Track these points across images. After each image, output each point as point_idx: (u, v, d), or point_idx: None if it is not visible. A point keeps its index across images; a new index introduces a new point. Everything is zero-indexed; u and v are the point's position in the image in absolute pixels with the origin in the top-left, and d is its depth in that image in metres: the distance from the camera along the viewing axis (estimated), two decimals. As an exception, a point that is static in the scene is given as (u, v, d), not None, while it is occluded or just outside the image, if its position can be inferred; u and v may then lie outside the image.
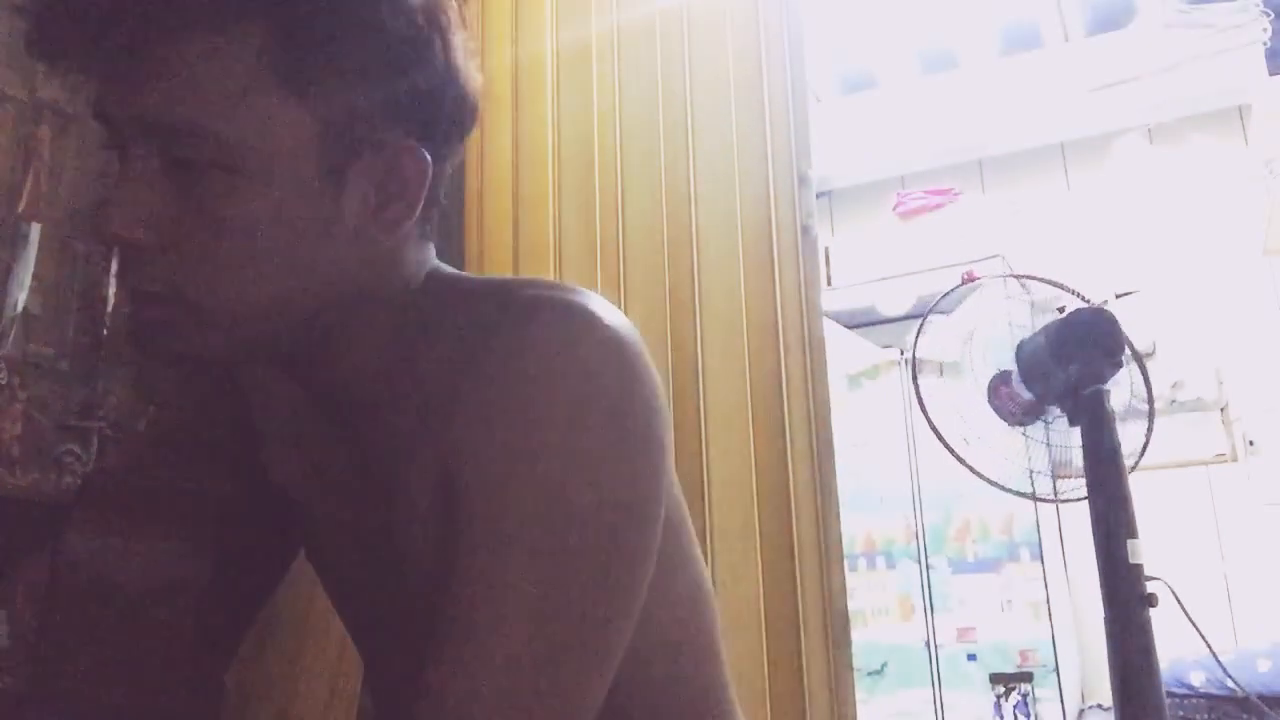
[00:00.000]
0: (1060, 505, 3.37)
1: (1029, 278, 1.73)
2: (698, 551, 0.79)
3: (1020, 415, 1.72)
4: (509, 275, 0.78)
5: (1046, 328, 1.68)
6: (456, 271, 0.77)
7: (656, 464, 0.65)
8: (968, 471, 1.73)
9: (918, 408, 1.82)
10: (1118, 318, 1.62)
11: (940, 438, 1.77)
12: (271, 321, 0.66)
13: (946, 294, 1.83)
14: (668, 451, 0.68)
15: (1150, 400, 1.73)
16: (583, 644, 0.61)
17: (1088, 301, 1.74)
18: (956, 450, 1.76)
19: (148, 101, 0.60)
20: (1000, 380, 1.74)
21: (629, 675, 0.65)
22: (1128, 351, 1.64)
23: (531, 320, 0.64)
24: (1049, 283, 1.74)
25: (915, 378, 1.81)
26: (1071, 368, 1.61)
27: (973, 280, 1.84)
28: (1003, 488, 1.76)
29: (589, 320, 0.65)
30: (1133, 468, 1.66)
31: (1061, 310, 1.63)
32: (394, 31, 0.63)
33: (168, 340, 0.64)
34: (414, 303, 0.72)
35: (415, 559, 0.69)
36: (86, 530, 0.71)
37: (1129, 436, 1.62)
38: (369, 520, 0.74)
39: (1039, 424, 1.72)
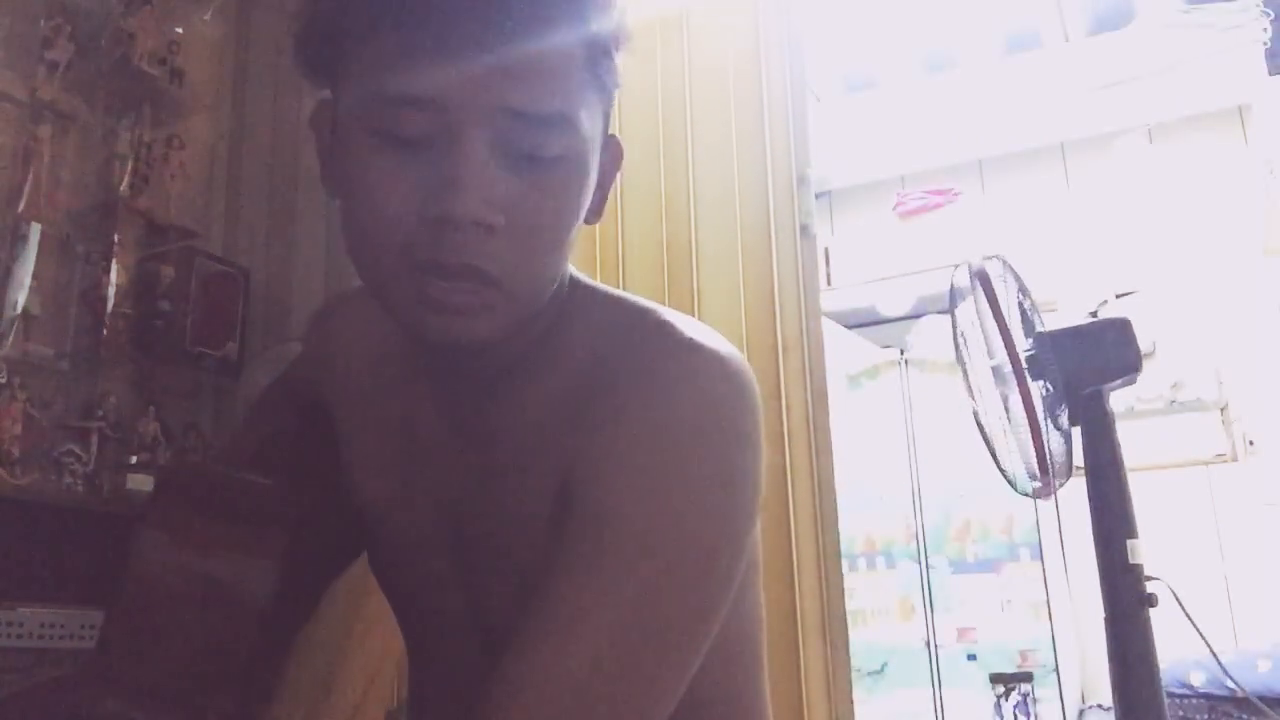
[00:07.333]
0: (1060, 505, 3.37)
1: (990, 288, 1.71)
2: (760, 578, 0.82)
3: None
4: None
5: (1066, 330, 1.69)
6: (583, 276, 0.79)
7: (754, 499, 0.68)
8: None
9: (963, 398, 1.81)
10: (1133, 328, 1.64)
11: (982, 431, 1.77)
12: (540, 304, 0.69)
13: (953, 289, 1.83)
14: (762, 488, 0.71)
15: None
16: (664, 656, 0.62)
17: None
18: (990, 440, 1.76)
19: (521, 92, 0.62)
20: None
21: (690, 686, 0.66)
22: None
23: (661, 348, 0.68)
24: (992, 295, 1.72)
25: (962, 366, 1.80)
26: (1085, 373, 1.63)
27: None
28: (1012, 483, 1.76)
29: (714, 356, 0.68)
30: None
31: (1093, 314, 1.64)
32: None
33: (481, 324, 0.65)
34: (565, 298, 0.74)
35: (515, 558, 0.70)
36: (159, 523, 0.73)
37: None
38: (468, 524, 0.75)
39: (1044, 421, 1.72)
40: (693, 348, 0.68)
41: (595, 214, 0.73)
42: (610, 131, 0.74)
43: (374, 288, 0.68)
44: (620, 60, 0.70)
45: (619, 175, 0.76)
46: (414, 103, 0.62)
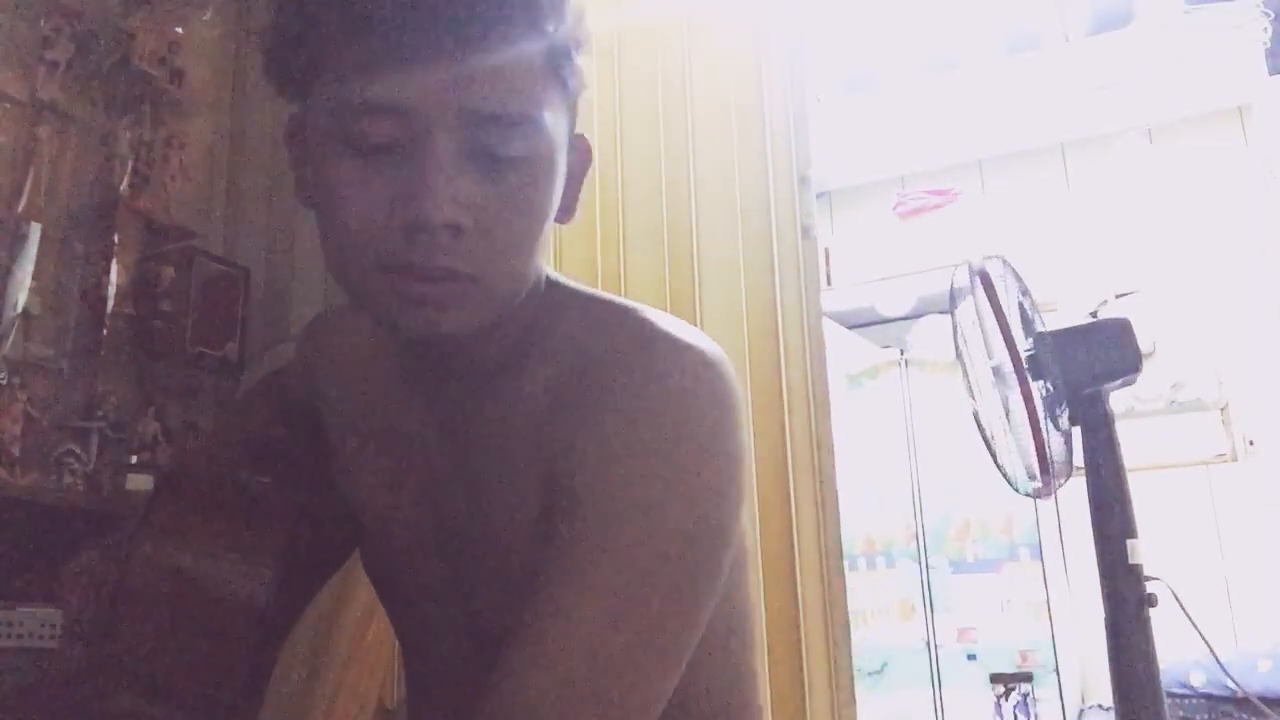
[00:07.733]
0: (1060, 505, 3.37)
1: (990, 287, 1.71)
2: (749, 576, 0.82)
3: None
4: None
5: (1066, 330, 1.69)
6: (559, 276, 0.80)
7: (740, 493, 0.70)
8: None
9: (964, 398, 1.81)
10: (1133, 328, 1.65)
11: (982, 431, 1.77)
12: (516, 300, 0.71)
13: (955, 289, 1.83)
14: (746, 479, 0.72)
15: None
16: (658, 650, 0.63)
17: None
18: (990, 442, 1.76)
19: (485, 95, 0.64)
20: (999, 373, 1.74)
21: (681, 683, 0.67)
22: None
23: (641, 344, 0.69)
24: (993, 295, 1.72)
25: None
26: (1085, 373, 1.63)
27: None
28: (1011, 484, 1.77)
29: (694, 351, 0.69)
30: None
31: (1094, 315, 1.64)
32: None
33: (458, 316, 0.66)
34: (543, 297, 0.75)
35: (505, 557, 0.71)
36: (159, 522, 0.73)
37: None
38: (458, 523, 0.76)
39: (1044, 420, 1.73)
40: (672, 343, 0.69)
41: (566, 213, 0.74)
42: (579, 131, 0.75)
43: (353, 294, 0.69)
44: (582, 61, 0.71)
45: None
46: (380, 110, 0.63)
